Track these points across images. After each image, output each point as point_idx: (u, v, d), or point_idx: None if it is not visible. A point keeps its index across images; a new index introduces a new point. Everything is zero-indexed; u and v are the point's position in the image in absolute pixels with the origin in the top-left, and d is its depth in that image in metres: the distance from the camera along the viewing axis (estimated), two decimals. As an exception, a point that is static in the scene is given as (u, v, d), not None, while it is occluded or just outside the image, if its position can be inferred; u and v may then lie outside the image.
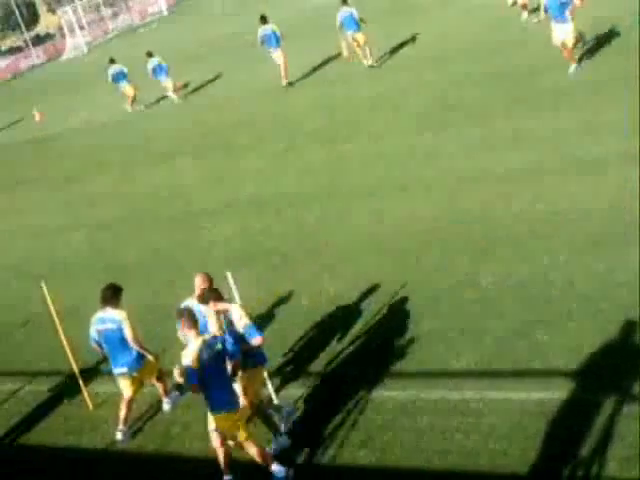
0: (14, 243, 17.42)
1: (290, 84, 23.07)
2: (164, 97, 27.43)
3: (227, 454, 7.74)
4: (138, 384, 9.12)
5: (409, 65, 21.34)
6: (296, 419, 8.39)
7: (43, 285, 9.55)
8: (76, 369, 9.67)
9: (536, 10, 19.67)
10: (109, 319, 8.83)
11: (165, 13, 59.25)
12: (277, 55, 22.99)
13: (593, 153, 12.37)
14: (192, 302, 8.25)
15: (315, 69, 24.16)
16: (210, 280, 8.29)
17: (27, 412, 10.25)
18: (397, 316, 9.73)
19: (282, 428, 8.19)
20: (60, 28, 60.88)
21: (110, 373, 9.31)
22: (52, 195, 20.32)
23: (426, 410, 7.96)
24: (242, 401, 7.83)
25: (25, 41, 61.04)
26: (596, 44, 17.37)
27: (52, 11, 65.39)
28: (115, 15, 62.86)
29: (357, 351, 9.34)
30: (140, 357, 8.91)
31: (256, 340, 7.80)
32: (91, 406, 9.76)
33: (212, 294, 7.96)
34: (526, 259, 10.12)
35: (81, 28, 56.78)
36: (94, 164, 21.76)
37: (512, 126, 14.58)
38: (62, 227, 17.27)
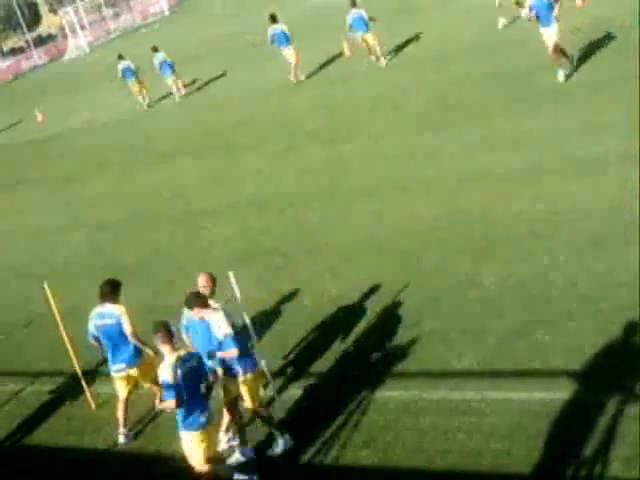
0: (14, 243, 17.42)
1: (299, 82, 23.09)
2: (167, 95, 27.37)
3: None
4: (133, 384, 9.12)
5: (409, 65, 21.36)
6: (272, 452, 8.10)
7: (46, 286, 9.53)
8: (78, 369, 9.67)
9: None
10: (108, 314, 8.82)
11: (167, 13, 59.23)
12: (289, 53, 23.06)
13: (593, 153, 12.38)
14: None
15: (315, 69, 24.16)
16: (213, 280, 8.21)
17: (29, 414, 10.24)
18: (398, 316, 9.74)
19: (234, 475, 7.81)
20: (62, 28, 60.81)
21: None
22: (52, 195, 20.32)
23: (428, 410, 7.98)
24: (225, 414, 8.03)
25: (27, 42, 60.95)
26: (596, 44, 17.36)
27: (54, 12, 65.30)
28: (117, 15, 62.79)
29: (359, 351, 9.35)
30: (138, 352, 8.89)
31: (231, 352, 7.71)
32: (93, 406, 9.76)
33: (198, 300, 7.79)
34: (526, 259, 10.14)
35: (83, 28, 56.74)
36: (94, 164, 21.77)
37: (512, 126, 14.60)
38: (62, 227, 17.27)
